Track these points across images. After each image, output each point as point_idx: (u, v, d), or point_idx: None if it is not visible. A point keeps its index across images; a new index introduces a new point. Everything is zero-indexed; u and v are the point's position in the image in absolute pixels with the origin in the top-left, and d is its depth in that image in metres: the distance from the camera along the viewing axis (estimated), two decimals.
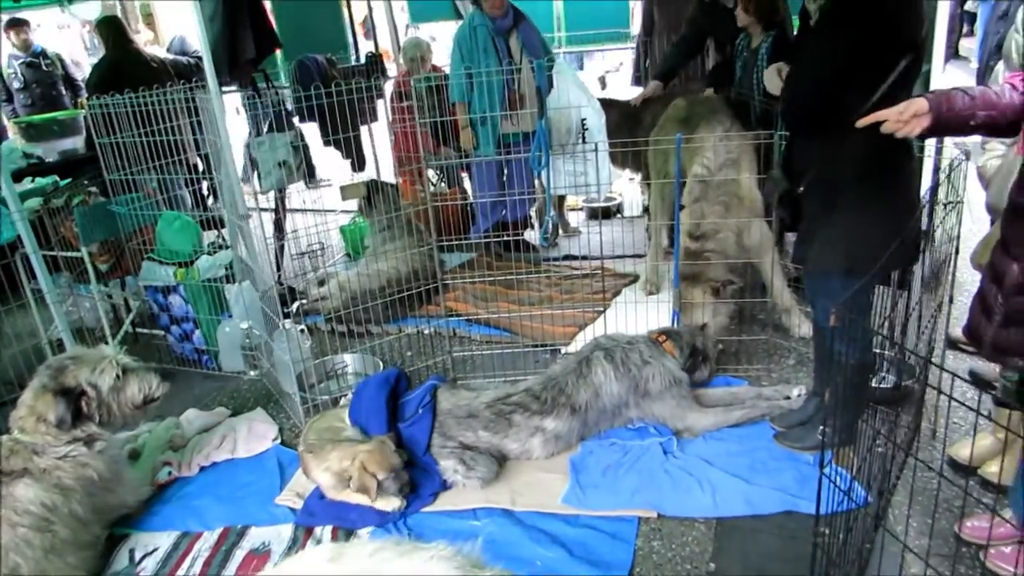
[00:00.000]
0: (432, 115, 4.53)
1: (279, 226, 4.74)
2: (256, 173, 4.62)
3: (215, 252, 4.00)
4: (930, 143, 3.10)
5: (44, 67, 6.66)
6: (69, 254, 4.02)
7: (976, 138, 3.12)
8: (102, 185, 4.12)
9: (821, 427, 2.40)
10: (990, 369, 2.98)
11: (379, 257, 4.39)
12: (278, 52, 5.61)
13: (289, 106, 5.15)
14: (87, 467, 2.52)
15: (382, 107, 5.41)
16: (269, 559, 2.52)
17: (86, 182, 4.39)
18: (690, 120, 3.84)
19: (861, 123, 2.03)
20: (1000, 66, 3.31)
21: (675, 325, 3.48)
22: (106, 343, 3.75)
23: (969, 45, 7.58)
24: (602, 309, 3.82)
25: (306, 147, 5.00)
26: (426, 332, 4.07)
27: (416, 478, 2.76)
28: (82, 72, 7.19)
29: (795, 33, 3.59)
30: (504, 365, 3.61)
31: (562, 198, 5.54)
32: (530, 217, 5.36)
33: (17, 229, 3.49)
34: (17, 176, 4.90)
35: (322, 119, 3.68)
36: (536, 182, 4.76)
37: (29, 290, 3.68)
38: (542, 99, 3.76)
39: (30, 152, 5.73)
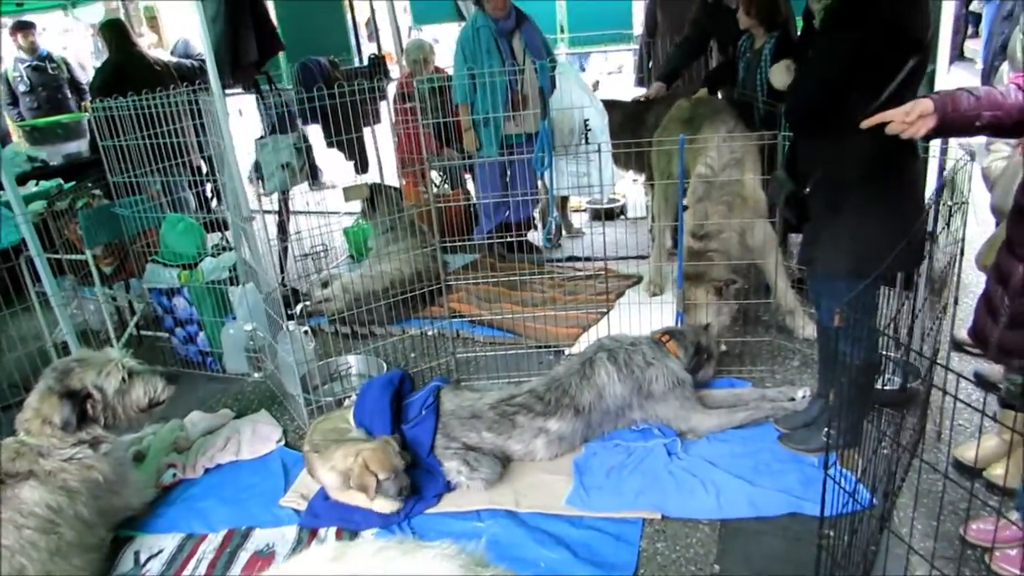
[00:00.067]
0: (435, 116, 4.53)
1: (283, 228, 4.74)
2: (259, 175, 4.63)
3: (219, 254, 4.00)
4: (935, 144, 3.09)
5: (50, 70, 6.66)
6: (73, 257, 4.02)
7: (981, 139, 3.11)
8: (106, 188, 4.13)
9: (826, 429, 2.39)
10: (995, 371, 2.97)
11: (383, 259, 4.40)
12: (281, 54, 5.61)
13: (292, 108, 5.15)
14: (92, 469, 2.52)
15: (385, 109, 5.43)
16: (273, 561, 2.52)
17: (90, 185, 4.40)
18: (693, 120, 3.84)
19: (866, 124, 2.01)
20: (1005, 66, 3.30)
21: (679, 325, 3.47)
22: (111, 346, 3.77)
23: (974, 46, 7.55)
24: (605, 310, 3.83)
25: (309, 149, 5.01)
26: (430, 333, 4.07)
27: (420, 479, 2.76)
28: (88, 76, 7.21)
29: (799, 34, 3.58)
30: (508, 366, 3.61)
31: (565, 199, 5.54)
32: (533, 218, 5.35)
33: (21, 232, 3.50)
34: (21, 179, 4.92)
35: (325, 121, 3.67)
36: (539, 183, 4.76)
37: (34, 293, 3.69)
38: (545, 100, 3.76)
39: (34, 155, 5.76)
